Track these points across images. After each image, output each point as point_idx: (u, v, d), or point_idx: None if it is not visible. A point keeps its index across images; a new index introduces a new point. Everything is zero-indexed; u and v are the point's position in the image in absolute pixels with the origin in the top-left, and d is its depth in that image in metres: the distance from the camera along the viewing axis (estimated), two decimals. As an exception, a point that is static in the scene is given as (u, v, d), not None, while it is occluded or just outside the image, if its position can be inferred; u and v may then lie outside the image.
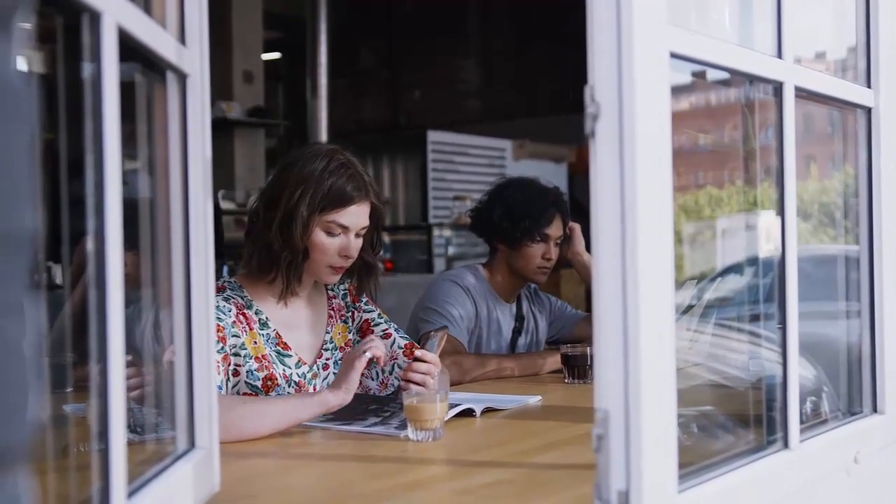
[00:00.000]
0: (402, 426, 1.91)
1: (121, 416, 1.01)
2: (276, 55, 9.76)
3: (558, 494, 1.52)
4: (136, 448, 1.32)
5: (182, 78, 1.33)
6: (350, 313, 2.39)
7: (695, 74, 1.48)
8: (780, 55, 1.50)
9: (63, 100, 1.04)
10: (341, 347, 2.34)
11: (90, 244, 0.97)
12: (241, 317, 2.16)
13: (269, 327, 2.21)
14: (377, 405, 2.15)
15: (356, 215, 2.19)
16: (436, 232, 7.34)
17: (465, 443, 1.92)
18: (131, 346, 1.07)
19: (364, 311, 2.40)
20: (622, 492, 1.16)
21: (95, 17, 0.97)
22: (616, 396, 1.16)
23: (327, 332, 2.33)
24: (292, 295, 2.24)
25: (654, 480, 1.17)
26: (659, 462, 1.18)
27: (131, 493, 1.07)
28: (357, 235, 2.21)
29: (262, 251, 2.19)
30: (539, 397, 2.37)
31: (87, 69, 0.98)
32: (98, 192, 0.97)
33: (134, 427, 1.34)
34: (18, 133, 0.57)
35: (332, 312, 2.36)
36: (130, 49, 1.09)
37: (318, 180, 2.14)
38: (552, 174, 7.16)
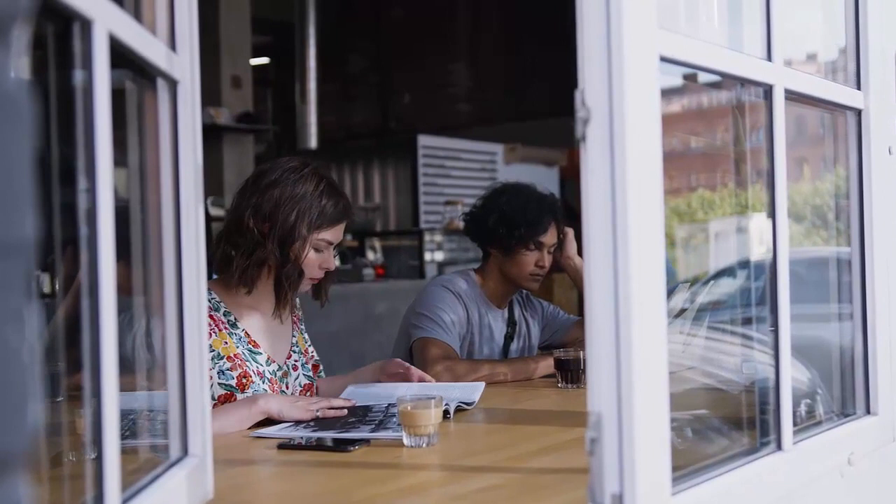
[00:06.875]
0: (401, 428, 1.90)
1: (114, 424, 1.01)
2: (264, 60, 9.74)
3: (553, 498, 1.52)
4: (128, 456, 1.31)
5: (172, 84, 1.32)
6: (303, 325, 2.51)
7: (686, 77, 1.48)
8: (769, 58, 1.51)
9: (52, 106, 1.04)
10: (304, 352, 2.45)
11: (83, 252, 0.97)
12: (208, 319, 2.19)
13: (238, 328, 2.29)
14: (364, 414, 2.14)
15: (341, 232, 2.34)
16: (427, 237, 7.32)
17: (459, 448, 1.92)
18: (123, 355, 1.07)
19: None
20: (616, 495, 1.16)
21: (86, 25, 0.97)
22: (609, 399, 1.16)
23: (293, 336, 2.44)
24: (287, 308, 2.34)
25: (647, 483, 1.17)
26: (652, 464, 1.18)
27: (124, 501, 1.07)
28: (335, 249, 2.35)
29: (255, 266, 2.26)
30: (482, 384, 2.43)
31: (77, 76, 0.98)
32: (90, 199, 0.97)
33: (124, 434, 1.33)
34: (19, 141, 0.57)
35: (295, 319, 2.48)
36: (120, 56, 1.09)
37: (311, 201, 2.26)
38: (543, 178, 7.16)
